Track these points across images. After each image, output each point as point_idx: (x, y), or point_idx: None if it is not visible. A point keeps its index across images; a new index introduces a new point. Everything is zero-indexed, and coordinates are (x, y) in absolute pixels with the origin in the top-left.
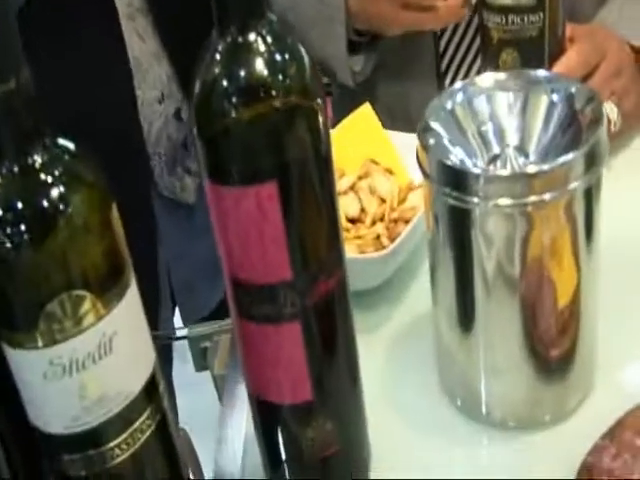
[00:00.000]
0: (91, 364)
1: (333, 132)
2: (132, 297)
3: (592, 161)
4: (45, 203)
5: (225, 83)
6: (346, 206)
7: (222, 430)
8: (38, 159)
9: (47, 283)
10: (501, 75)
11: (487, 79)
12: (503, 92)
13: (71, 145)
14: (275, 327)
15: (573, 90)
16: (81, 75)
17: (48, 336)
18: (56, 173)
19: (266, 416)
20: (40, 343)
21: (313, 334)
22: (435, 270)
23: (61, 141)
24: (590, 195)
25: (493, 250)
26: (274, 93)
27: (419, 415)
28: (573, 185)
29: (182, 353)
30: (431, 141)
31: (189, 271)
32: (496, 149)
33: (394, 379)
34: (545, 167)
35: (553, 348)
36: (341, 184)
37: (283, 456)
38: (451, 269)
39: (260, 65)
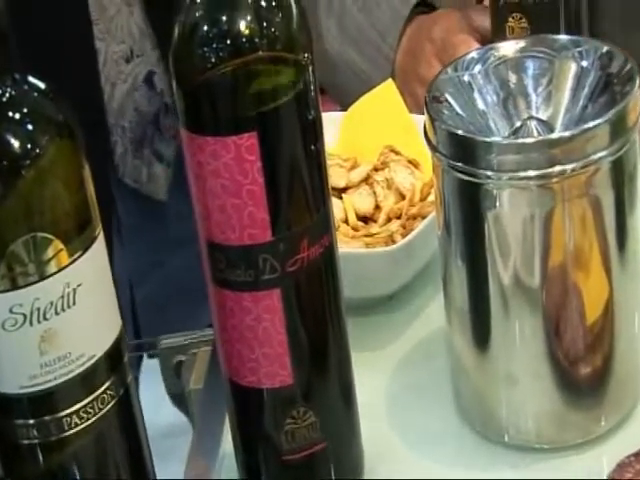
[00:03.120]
0: (53, 315)
1: (346, 113)
2: (99, 250)
3: (620, 129)
4: (13, 140)
5: (206, 32)
6: (358, 202)
7: (193, 452)
8: (6, 93)
9: (12, 222)
10: (522, 42)
11: (507, 46)
12: (525, 60)
13: (42, 84)
14: (252, 295)
15: (605, 53)
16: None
17: (9, 279)
18: (25, 110)
19: (241, 405)
20: (1, 287)
21: (295, 305)
22: (446, 270)
23: (32, 79)
24: (621, 169)
25: (509, 241)
26: (257, 44)
27: (433, 440)
28: (599, 155)
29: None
30: (441, 112)
31: (157, 289)
32: (518, 122)
33: (404, 402)
34: (566, 134)
35: (582, 366)
36: (352, 176)
37: (260, 454)
38: (463, 266)
39: (244, 14)
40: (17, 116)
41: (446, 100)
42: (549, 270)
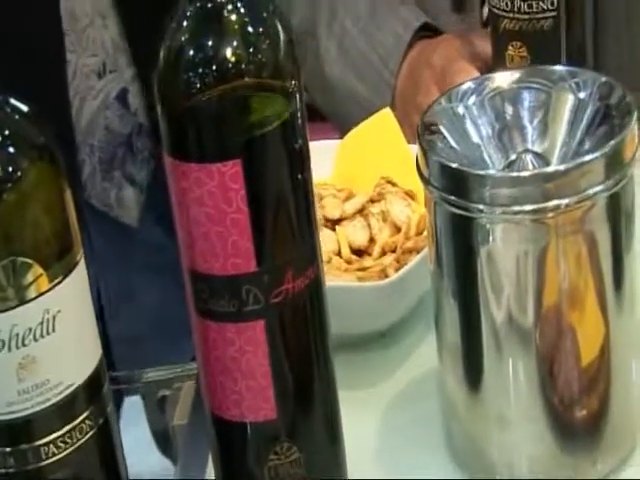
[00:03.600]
0: (32, 341)
1: (341, 142)
2: (80, 276)
3: (616, 164)
4: None
5: (192, 57)
6: (352, 234)
7: None
8: None
9: None
10: (518, 73)
11: (503, 77)
12: (521, 92)
13: (24, 107)
14: (236, 326)
15: (603, 83)
16: None
17: None
18: (6, 133)
19: (224, 439)
20: None
21: (279, 338)
22: (438, 306)
23: (14, 101)
24: (618, 205)
25: (502, 278)
26: (243, 70)
27: None
28: (595, 189)
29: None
30: (434, 143)
31: (132, 320)
32: (512, 155)
33: (394, 442)
34: (561, 168)
35: (577, 408)
36: (347, 207)
37: None
38: (455, 303)
39: (231, 40)
40: None
41: (439, 131)
42: (543, 309)
